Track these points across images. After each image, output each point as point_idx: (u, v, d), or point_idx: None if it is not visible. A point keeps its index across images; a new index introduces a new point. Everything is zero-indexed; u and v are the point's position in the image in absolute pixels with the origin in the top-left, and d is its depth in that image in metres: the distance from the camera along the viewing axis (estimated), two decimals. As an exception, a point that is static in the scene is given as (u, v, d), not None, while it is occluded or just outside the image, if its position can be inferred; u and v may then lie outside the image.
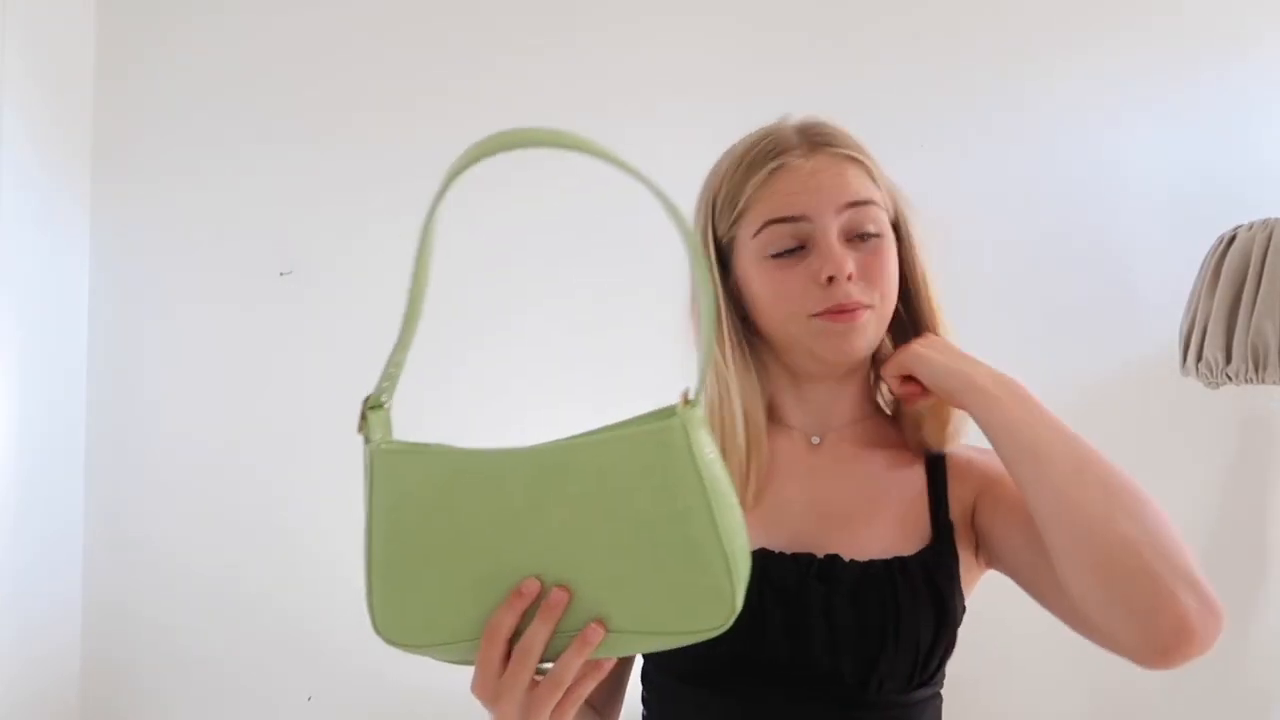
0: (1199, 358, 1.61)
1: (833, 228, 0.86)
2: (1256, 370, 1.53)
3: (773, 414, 0.96)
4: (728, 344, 0.92)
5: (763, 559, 0.84)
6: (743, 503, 0.87)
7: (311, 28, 2.10)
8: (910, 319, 0.94)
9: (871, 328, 0.88)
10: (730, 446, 0.90)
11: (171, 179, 2.13)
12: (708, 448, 0.66)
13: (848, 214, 0.87)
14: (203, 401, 2.12)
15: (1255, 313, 1.53)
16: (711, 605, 0.64)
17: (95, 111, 2.15)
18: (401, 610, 0.67)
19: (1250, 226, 1.60)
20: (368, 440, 0.69)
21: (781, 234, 0.88)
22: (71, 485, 2.12)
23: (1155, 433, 1.86)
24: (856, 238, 0.88)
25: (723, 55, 1.98)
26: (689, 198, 0.94)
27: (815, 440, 0.95)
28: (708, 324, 0.64)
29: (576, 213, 1.97)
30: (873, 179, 0.90)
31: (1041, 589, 0.85)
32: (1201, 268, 1.66)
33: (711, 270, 0.92)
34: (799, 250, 0.88)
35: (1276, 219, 1.57)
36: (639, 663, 0.95)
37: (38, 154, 2.02)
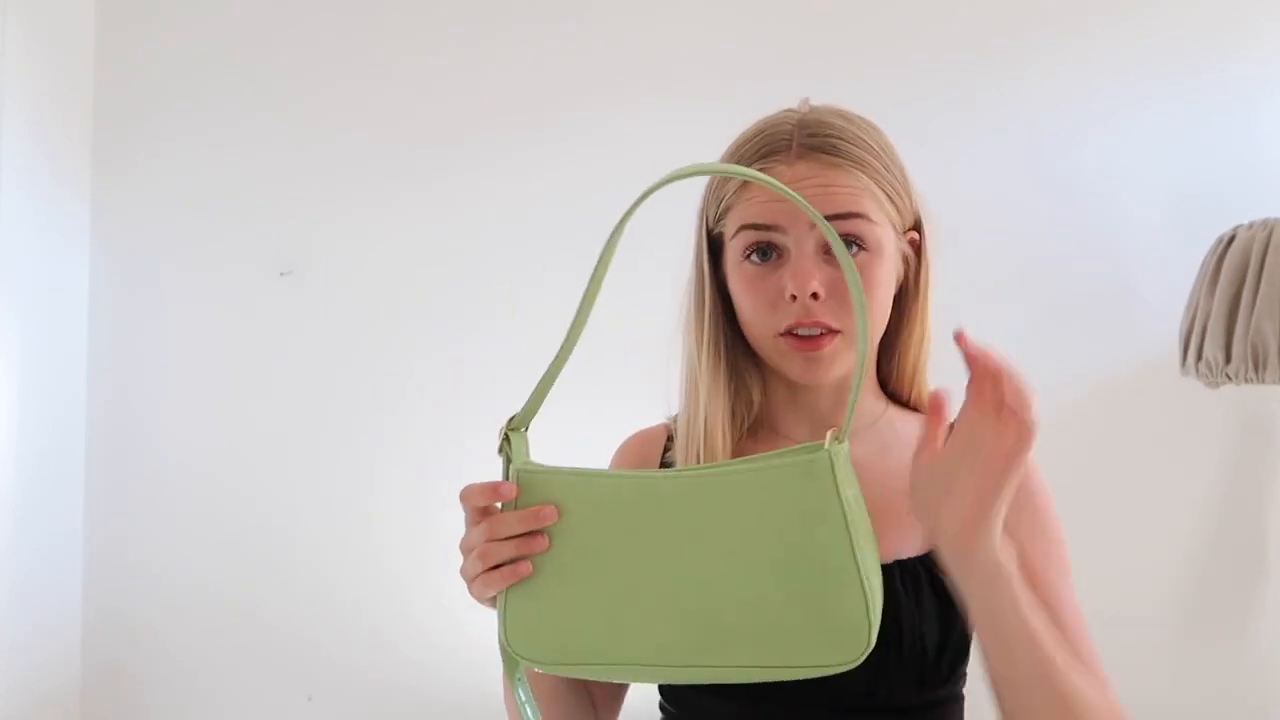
0: (1199, 358, 1.61)
1: (807, 241, 0.82)
2: (1256, 370, 1.53)
3: (769, 423, 0.93)
4: (705, 346, 0.89)
5: None
6: None
7: (313, 27, 2.10)
8: (881, 344, 0.91)
9: (842, 354, 0.84)
10: (683, 453, 0.89)
11: (173, 179, 2.13)
12: (851, 485, 0.68)
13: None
14: (203, 406, 2.11)
15: (1255, 313, 1.53)
16: (845, 641, 0.65)
17: (96, 111, 2.15)
18: (534, 628, 0.69)
19: (1250, 226, 1.59)
20: (509, 461, 0.71)
21: (756, 240, 0.84)
22: (71, 491, 2.12)
23: (1155, 433, 1.85)
24: None
25: (709, 50, 1.98)
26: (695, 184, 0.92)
27: None
28: None
29: (574, 207, 1.97)
30: (878, 190, 0.84)
31: None
32: (1201, 268, 1.65)
33: (700, 259, 0.90)
34: (776, 259, 0.84)
35: (1276, 219, 1.56)
36: None
37: (38, 154, 2.02)
